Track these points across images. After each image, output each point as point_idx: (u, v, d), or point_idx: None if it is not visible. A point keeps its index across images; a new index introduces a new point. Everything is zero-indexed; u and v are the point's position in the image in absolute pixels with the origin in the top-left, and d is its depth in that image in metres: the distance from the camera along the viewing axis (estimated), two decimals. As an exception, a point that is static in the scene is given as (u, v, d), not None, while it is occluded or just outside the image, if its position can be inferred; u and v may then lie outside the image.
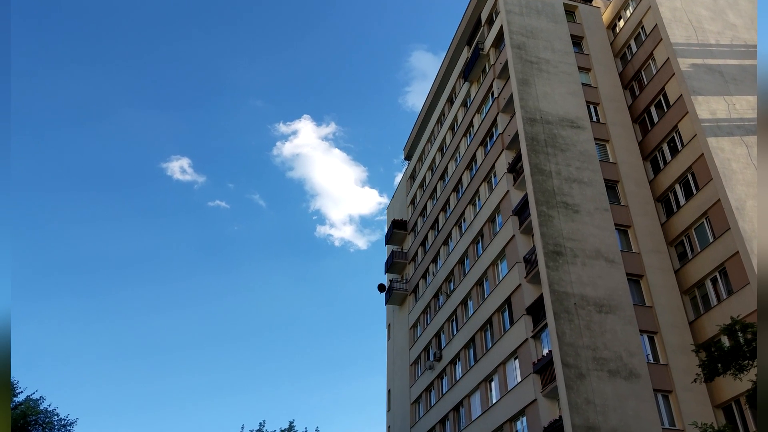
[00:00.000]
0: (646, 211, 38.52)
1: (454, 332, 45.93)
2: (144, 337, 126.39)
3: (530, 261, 36.31)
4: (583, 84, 43.97)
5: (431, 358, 48.74)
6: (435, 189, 57.67)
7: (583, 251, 35.00)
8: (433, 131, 62.24)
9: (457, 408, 43.04)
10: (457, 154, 53.11)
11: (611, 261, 35.01)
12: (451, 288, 48.14)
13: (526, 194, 37.78)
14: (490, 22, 50.50)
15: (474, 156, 48.74)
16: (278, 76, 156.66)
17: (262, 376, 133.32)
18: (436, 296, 51.41)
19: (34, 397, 38.02)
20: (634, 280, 35.48)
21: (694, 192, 36.46)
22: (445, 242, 51.62)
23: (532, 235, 37.12)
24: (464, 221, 48.59)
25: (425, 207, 59.63)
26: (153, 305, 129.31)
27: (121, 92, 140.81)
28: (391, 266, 62.10)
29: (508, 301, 38.19)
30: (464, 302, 45.18)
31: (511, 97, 42.58)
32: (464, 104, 53.99)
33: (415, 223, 61.46)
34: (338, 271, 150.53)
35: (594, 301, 33.06)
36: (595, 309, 32.73)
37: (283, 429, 43.41)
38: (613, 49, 47.78)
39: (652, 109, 42.02)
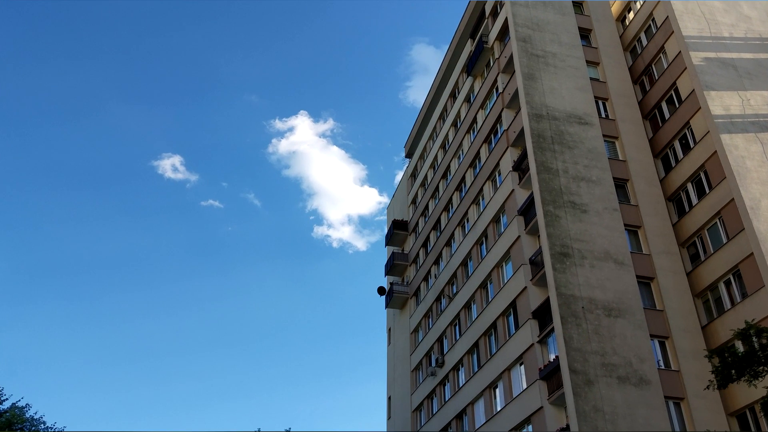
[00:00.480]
0: (657, 211, 38.50)
1: (457, 337, 45.93)
2: (134, 342, 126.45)
3: (536, 263, 36.29)
4: (591, 78, 43.93)
5: (433, 364, 48.73)
6: (437, 188, 57.67)
7: (591, 253, 34.97)
8: (435, 128, 62.24)
9: (460, 416, 43.03)
10: (460, 152, 53.10)
11: (621, 263, 34.98)
12: (454, 291, 48.14)
13: (532, 193, 37.76)
14: (495, 14, 50.49)
15: (478, 153, 48.72)
16: (274, 70, 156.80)
17: (258, 382, 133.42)
18: (438, 299, 51.40)
19: (20, 404, 38.01)
20: (645, 282, 35.44)
21: (707, 191, 36.44)
22: (448, 243, 51.62)
23: (539, 236, 37.10)
24: (467, 221, 48.58)
25: (427, 207, 59.63)
26: (143, 309, 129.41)
27: (110, 87, 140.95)
28: (391, 268, 62.11)
29: (513, 305, 38.17)
30: (467, 306, 45.17)
31: (517, 92, 42.55)
32: (467, 100, 53.98)
33: (417, 224, 61.46)
34: (336, 273, 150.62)
35: (603, 304, 33.03)
36: (603, 313, 32.70)
37: (279, 437, 43.43)
38: (622, 42, 47.76)
39: (663, 105, 42.00)
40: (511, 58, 44.88)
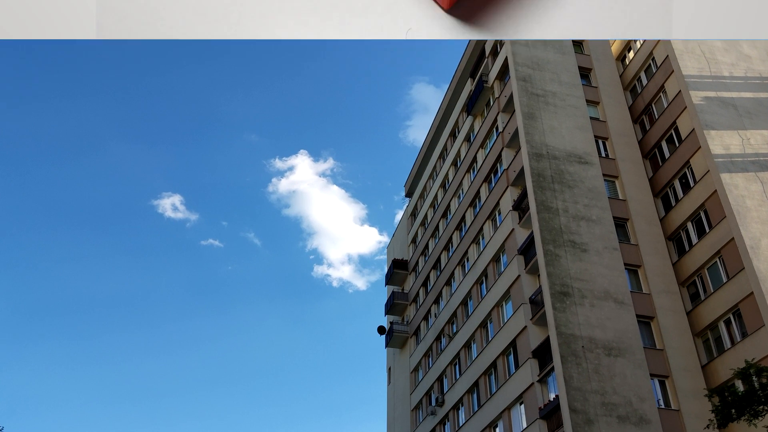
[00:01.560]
0: (657, 250, 38.85)
1: (457, 376, 45.99)
2: (133, 382, 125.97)
3: (536, 302, 36.57)
4: (591, 118, 44.51)
5: (433, 404, 48.71)
6: (437, 227, 58.06)
7: (591, 292, 35.26)
8: (435, 167, 62.84)
9: (460, 458, 42.94)
10: (460, 191, 53.59)
11: (621, 302, 35.26)
12: (454, 330, 48.29)
13: (532, 232, 38.16)
14: (495, 53, 51.30)
15: (478, 193, 49.20)
16: (274, 109, 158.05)
17: (257, 422, 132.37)
18: (438, 339, 51.50)
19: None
20: (645, 321, 35.71)
21: (707, 230, 36.84)
22: (448, 282, 51.88)
23: (538, 275, 37.42)
24: (467, 261, 48.89)
25: (427, 246, 59.97)
26: (143, 349, 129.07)
27: (109, 126, 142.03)
28: (391, 308, 62.25)
29: (513, 344, 38.36)
30: (467, 345, 45.31)
31: (517, 131, 43.09)
32: (467, 139, 54.60)
33: (417, 263, 61.76)
34: (336, 312, 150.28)
35: (603, 343, 33.26)
36: (603, 352, 32.91)
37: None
38: (622, 81, 48.47)
39: (663, 144, 42.56)
40: (511, 98, 45.52)
